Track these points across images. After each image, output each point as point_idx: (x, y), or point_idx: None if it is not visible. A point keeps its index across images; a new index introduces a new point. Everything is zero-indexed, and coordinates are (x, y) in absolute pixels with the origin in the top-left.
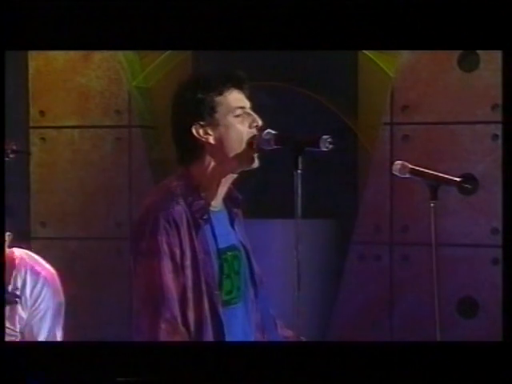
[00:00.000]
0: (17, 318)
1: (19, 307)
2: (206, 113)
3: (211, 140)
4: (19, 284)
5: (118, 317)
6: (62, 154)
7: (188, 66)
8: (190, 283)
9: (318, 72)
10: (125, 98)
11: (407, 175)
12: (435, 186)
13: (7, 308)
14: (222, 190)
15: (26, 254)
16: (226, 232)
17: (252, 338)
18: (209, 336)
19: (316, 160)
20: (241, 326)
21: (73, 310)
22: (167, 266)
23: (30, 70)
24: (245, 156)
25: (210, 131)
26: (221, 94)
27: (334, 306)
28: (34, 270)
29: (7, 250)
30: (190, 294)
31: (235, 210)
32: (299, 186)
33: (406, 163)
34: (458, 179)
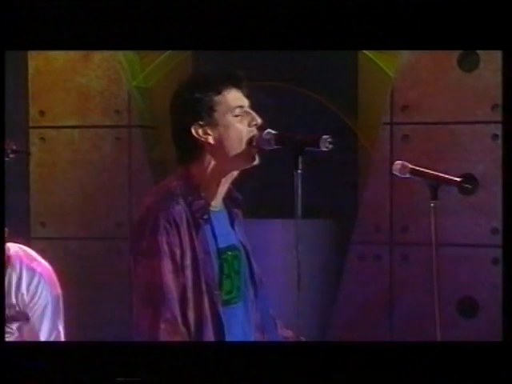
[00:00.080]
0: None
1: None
2: (205, 112)
3: (211, 140)
4: (14, 281)
5: (118, 317)
6: (61, 153)
7: (188, 66)
8: (190, 283)
9: (318, 72)
10: (125, 98)
11: (407, 175)
12: (435, 186)
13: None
14: (222, 190)
15: (21, 249)
16: (226, 232)
17: (252, 338)
18: (209, 336)
19: (316, 160)
20: (241, 325)
21: (73, 310)
22: (167, 266)
23: (30, 70)
24: (245, 155)
25: (209, 131)
26: (219, 93)
27: (334, 306)
28: (30, 267)
29: None
30: (190, 294)
31: (235, 210)
32: (299, 186)
33: (406, 163)
34: (458, 179)
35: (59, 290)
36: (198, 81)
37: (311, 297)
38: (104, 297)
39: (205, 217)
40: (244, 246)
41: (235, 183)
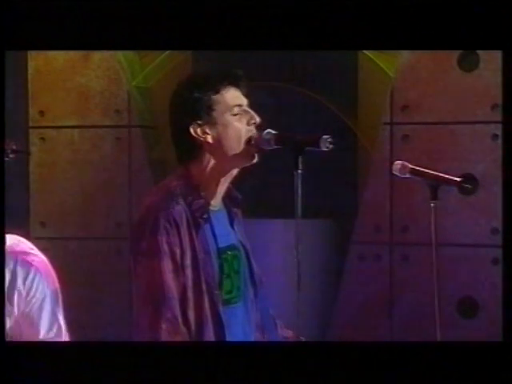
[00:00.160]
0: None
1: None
2: (204, 112)
3: (209, 139)
4: (8, 277)
5: (118, 317)
6: (61, 153)
7: (188, 66)
8: (190, 283)
9: (318, 72)
10: (124, 98)
11: (407, 175)
12: (435, 185)
13: None
14: (222, 189)
15: (16, 240)
16: (226, 232)
17: (252, 338)
18: (209, 335)
19: (316, 160)
20: (241, 325)
21: (73, 309)
22: (167, 266)
23: (30, 70)
24: (244, 153)
25: (208, 130)
26: (218, 92)
27: (334, 305)
28: (25, 261)
29: None
30: (190, 294)
31: (234, 209)
32: (299, 186)
33: (406, 163)
34: (458, 179)
35: (57, 284)
36: (196, 80)
37: (311, 297)
38: (104, 297)
39: (204, 216)
40: (244, 246)
41: (235, 182)
